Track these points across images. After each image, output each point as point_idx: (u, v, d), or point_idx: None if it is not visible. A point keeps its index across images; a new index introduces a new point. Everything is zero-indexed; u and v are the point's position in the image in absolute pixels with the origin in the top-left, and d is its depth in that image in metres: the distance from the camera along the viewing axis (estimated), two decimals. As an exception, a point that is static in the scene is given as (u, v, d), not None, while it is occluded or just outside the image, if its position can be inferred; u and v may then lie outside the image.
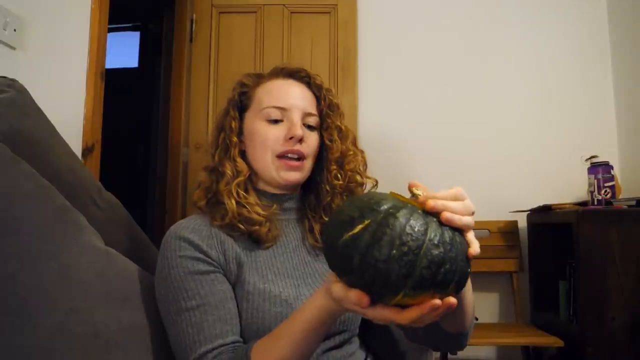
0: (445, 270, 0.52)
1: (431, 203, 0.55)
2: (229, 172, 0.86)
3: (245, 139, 0.91)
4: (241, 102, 0.93)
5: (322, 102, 0.92)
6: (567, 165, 2.25)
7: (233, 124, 0.90)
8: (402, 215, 0.53)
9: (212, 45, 2.43)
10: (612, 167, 2.01)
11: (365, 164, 0.95)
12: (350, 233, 0.52)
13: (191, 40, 2.46)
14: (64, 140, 1.00)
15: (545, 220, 2.07)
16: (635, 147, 2.22)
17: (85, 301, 0.71)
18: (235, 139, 0.90)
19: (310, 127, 0.90)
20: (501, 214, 2.23)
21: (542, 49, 2.39)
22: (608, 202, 1.90)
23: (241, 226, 0.83)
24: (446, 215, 0.55)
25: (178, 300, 0.75)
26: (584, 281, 1.70)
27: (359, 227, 0.52)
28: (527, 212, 2.17)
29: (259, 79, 0.94)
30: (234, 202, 0.83)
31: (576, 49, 2.38)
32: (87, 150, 1.50)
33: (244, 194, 0.85)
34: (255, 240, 0.85)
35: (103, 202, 1.01)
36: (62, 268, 0.70)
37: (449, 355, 1.86)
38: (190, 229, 0.82)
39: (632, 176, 2.19)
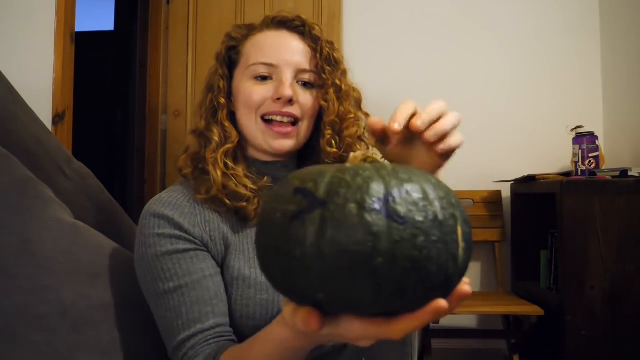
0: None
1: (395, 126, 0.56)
2: (215, 137, 0.77)
3: (234, 100, 0.81)
4: (230, 58, 0.82)
5: (318, 56, 0.79)
6: (552, 135, 2.24)
7: (221, 83, 0.80)
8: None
9: (190, 6, 2.33)
10: (597, 138, 2.00)
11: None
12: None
13: (168, 2, 2.34)
14: (29, 107, 0.93)
15: (529, 190, 2.06)
16: (620, 117, 2.21)
17: (50, 279, 0.66)
18: (223, 100, 0.79)
19: (306, 85, 0.79)
20: (485, 184, 2.22)
21: (530, 19, 2.33)
22: (592, 173, 1.90)
23: (227, 201, 0.74)
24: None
25: (156, 281, 0.70)
26: (565, 251, 1.71)
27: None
28: (511, 182, 2.17)
29: (250, 31, 0.82)
30: (219, 172, 0.74)
31: (564, 18, 2.33)
32: (57, 117, 1.42)
33: (232, 164, 0.77)
34: (242, 218, 0.77)
35: (72, 172, 0.96)
36: (22, 244, 0.66)
37: (431, 325, 1.87)
38: (172, 205, 0.74)
39: (616, 146, 2.19)
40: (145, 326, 0.76)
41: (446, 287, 0.38)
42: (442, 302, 0.38)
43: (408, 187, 0.37)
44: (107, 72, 3.23)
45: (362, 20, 2.33)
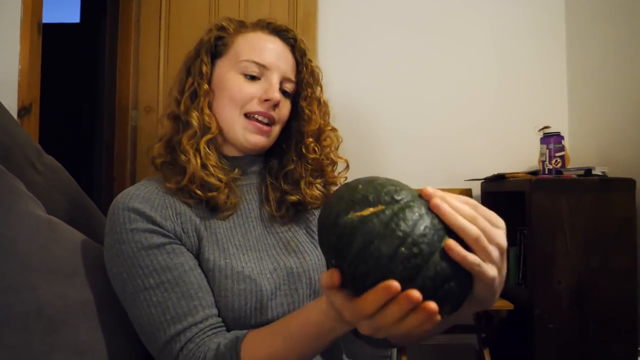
0: (449, 287, 0.45)
1: (429, 190, 0.48)
2: (194, 122, 0.77)
3: (213, 89, 0.81)
4: (215, 47, 0.83)
5: (304, 70, 0.85)
6: (521, 135, 2.30)
7: (204, 69, 0.81)
8: (420, 212, 0.46)
9: None
10: (563, 138, 2.07)
11: (338, 144, 0.89)
12: (359, 214, 0.46)
13: (139, -6, 2.29)
14: (-4, 98, 0.89)
15: (499, 189, 2.11)
16: (584, 118, 2.29)
17: (25, 277, 0.63)
18: (206, 86, 0.80)
19: (285, 94, 0.83)
20: (456, 183, 2.27)
21: (497, 21, 2.39)
22: (558, 172, 1.96)
23: (198, 191, 0.74)
24: (436, 201, 0.46)
25: (134, 278, 0.68)
26: (533, 247, 1.76)
27: (370, 210, 0.46)
28: (482, 181, 2.21)
29: (241, 27, 0.85)
30: (199, 161, 0.75)
31: (531, 20, 2.40)
32: (23, 110, 1.37)
33: (209, 151, 0.78)
34: (212, 209, 0.77)
35: (43, 166, 0.92)
36: (-4, 240, 0.62)
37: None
38: (141, 197, 0.73)
39: (581, 146, 2.27)
40: (122, 325, 0.73)
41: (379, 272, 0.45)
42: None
43: (413, 204, 0.47)
44: (74, 65, 3.12)
45: (338, 18, 2.33)
